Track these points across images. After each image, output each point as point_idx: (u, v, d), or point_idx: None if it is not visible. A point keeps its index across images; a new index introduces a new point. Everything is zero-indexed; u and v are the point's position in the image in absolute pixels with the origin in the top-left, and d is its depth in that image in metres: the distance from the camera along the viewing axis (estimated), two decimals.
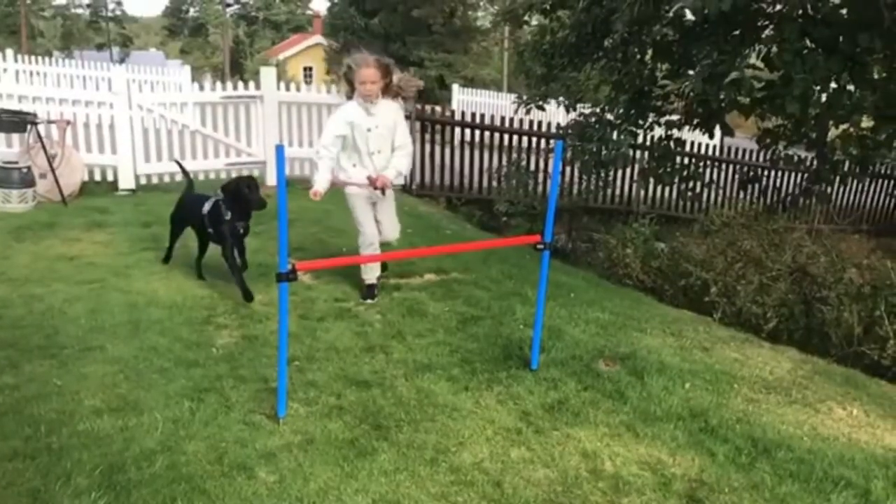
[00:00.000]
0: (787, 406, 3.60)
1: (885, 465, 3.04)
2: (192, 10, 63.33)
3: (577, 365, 3.85)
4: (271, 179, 8.48)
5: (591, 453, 2.99)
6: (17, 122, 7.34)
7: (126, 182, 8.19)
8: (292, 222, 5.69)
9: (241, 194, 4.59)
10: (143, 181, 8.39)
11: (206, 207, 4.74)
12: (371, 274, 4.80)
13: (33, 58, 16.88)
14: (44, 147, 7.34)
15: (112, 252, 5.72)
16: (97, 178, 8.20)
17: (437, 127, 9.91)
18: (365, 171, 4.59)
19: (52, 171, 7.33)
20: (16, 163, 7.21)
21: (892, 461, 3.09)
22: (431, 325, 4.33)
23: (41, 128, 7.48)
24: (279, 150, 2.81)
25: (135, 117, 8.17)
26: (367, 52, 4.47)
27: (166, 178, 8.58)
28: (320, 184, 4.46)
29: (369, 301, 4.70)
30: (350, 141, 4.54)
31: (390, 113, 4.53)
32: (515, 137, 10.16)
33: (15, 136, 7.72)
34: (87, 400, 3.22)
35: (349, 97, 4.58)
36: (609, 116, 7.56)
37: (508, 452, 2.98)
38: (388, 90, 4.51)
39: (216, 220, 4.68)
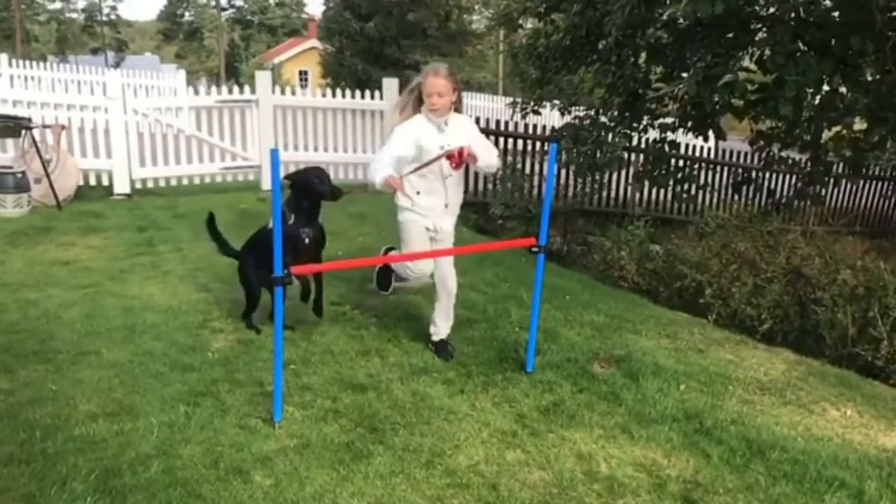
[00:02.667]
0: (782, 407, 3.62)
1: (879, 465, 3.06)
2: (187, 14, 63.37)
3: (572, 367, 3.86)
4: (266, 184, 8.48)
5: (586, 455, 3.00)
6: (11, 126, 7.34)
7: (121, 187, 8.18)
8: None
9: (311, 186, 3.96)
10: (138, 186, 8.38)
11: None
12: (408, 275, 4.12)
13: (28, 62, 16.85)
14: (38, 152, 7.33)
15: (107, 257, 5.72)
16: (92, 182, 8.20)
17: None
18: (434, 199, 3.83)
19: (47, 175, 7.32)
20: (11, 167, 7.20)
21: (885, 462, 3.10)
22: (427, 329, 4.33)
23: (36, 132, 7.47)
24: (274, 154, 2.82)
25: (130, 122, 8.17)
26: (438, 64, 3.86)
27: (161, 183, 8.57)
28: (383, 174, 3.56)
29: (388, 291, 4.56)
30: (415, 163, 3.73)
31: (464, 129, 3.81)
32: (510, 140, 10.17)
33: (10, 141, 7.71)
34: (82, 405, 3.22)
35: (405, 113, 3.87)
36: (603, 119, 7.57)
37: (504, 455, 2.98)
38: (459, 110, 3.88)
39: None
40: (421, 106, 3.75)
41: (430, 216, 3.84)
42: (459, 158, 3.59)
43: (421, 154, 3.68)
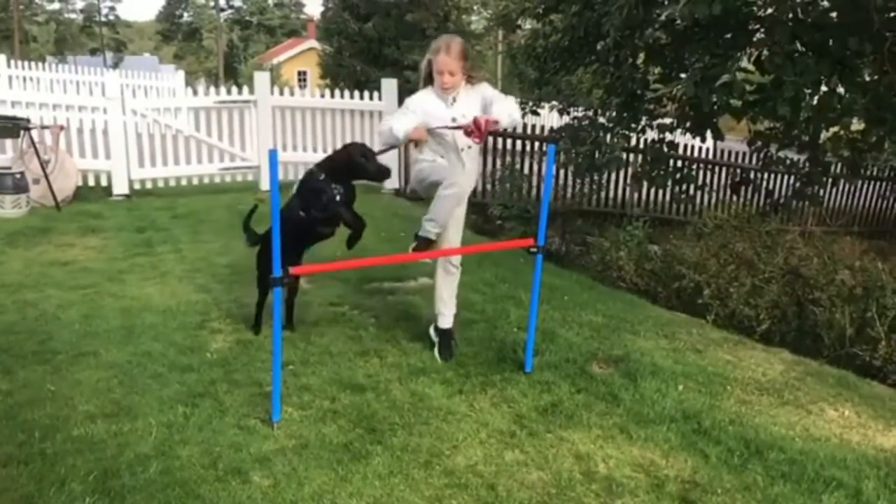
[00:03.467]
0: (780, 407, 3.63)
1: (877, 465, 3.06)
2: (185, 14, 63.35)
3: (570, 368, 3.86)
4: (265, 184, 8.48)
5: (584, 455, 3.00)
6: (10, 127, 7.35)
7: (120, 187, 8.19)
8: None
9: (354, 166, 3.65)
10: (136, 186, 8.38)
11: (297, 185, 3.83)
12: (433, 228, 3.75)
13: (26, 63, 16.84)
14: (37, 152, 7.33)
15: (106, 257, 5.72)
16: (91, 183, 8.20)
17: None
18: (455, 168, 3.72)
19: (46, 176, 7.32)
20: (9, 168, 7.21)
21: (883, 461, 3.11)
22: (425, 329, 4.32)
23: (35, 133, 7.47)
24: (272, 154, 2.82)
25: (128, 122, 8.17)
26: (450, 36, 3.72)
27: (160, 184, 8.57)
28: (407, 124, 3.54)
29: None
30: (433, 134, 3.68)
31: (476, 95, 3.68)
32: (509, 141, 10.18)
33: (8, 142, 7.71)
34: (80, 405, 3.22)
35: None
36: (602, 120, 7.59)
37: (502, 455, 2.99)
38: (472, 80, 3.72)
39: (307, 189, 3.76)
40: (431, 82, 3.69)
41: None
42: (479, 132, 3.42)
43: (432, 122, 3.61)
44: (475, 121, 3.42)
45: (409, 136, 3.56)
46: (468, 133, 3.48)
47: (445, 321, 4.00)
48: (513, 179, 9.26)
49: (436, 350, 3.96)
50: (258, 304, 4.14)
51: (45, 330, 4.09)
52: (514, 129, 9.99)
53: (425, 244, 3.75)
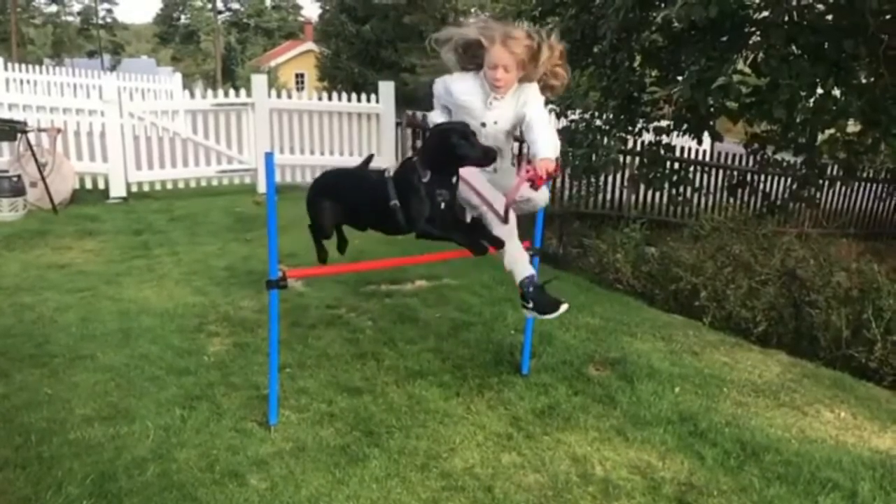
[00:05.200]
0: (776, 409, 3.63)
1: (872, 466, 3.07)
2: (183, 17, 63.29)
3: (567, 370, 3.87)
4: (262, 187, 8.48)
5: (581, 458, 3.01)
6: (7, 130, 7.34)
7: (117, 190, 8.19)
8: (283, 229, 5.68)
9: (451, 149, 3.00)
10: (134, 189, 8.38)
11: (391, 170, 3.19)
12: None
13: (24, 65, 16.83)
14: (34, 155, 7.33)
15: (103, 260, 5.72)
16: (88, 186, 8.20)
17: (429, 133, 9.93)
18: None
19: (43, 179, 7.32)
20: (6, 171, 7.20)
21: (878, 463, 3.12)
22: (423, 332, 4.34)
23: (32, 136, 7.47)
24: (268, 157, 2.83)
25: (126, 125, 8.17)
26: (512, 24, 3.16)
27: (157, 186, 8.57)
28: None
29: (553, 312, 3.26)
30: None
31: (514, 99, 3.18)
32: None
33: (5, 145, 7.71)
34: (77, 408, 3.22)
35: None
36: (599, 122, 7.60)
37: (499, 458, 2.99)
38: (530, 77, 3.17)
39: (403, 181, 3.08)
40: (478, 65, 3.16)
41: None
42: (541, 181, 3.00)
43: (459, 111, 3.20)
44: (536, 170, 2.95)
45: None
46: (529, 180, 3.03)
47: (526, 271, 3.27)
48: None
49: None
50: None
51: (42, 333, 4.09)
52: None
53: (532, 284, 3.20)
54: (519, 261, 3.25)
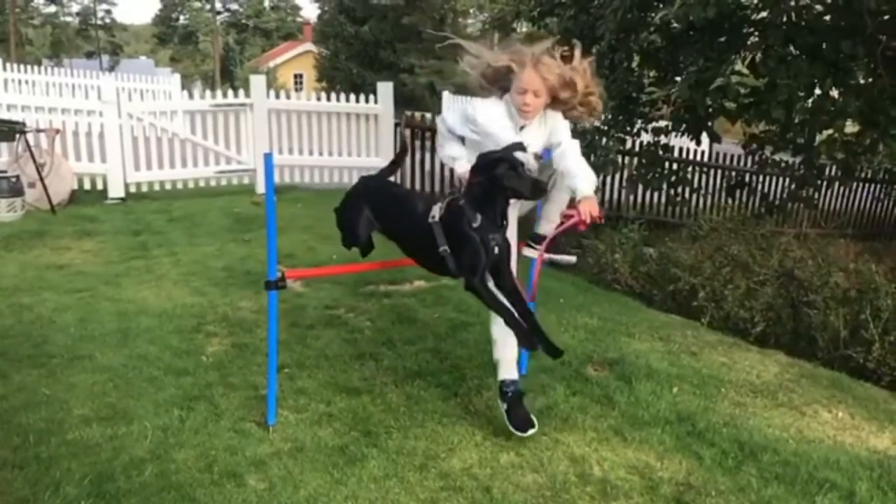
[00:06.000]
0: (774, 409, 3.64)
1: (870, 467, 3.08)
2: (181, 17, 63.25)
3: (565, 370, 3.87)
4: (261, 187, 8.48)
5: (579, 458, 3.01)
6: (5, 130, 7.34)
7: (116, 190, 8.18)
8: (282, 229, 5.69)
9: (498, 181, 2.77)
10: (132, 189, 8.38)
11: (437, 210, 2.89)
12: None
13: (22, 66, 16.81)
14: (32, 156, 7.33)
15: (101, 261, 5.72)
16: (87, 186, 8.20)
17: (428, 134, 9.94)
18: None
19: (41, 179, 7.32)
20: (4, 172, 7.20)
21: (876, 463, 3.12)
22: (421, 332, 4.34)
23: (30, 136, 7.47)
24: (267, 158, 2.83)
25: (124, 126, 8.17)
26: (546, 44, 2.97)
27: (156, 187, 8.57)
28: (461, 163, 3.02)
29: (522, 431, 3.07)
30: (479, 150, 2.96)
31: (545, 127, 3.05)
32: None
33: (4, 146, 7.70)
34: (76, 409, 3.22)
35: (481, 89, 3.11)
36: (597, 123, 7.60)
37: (497, 458, 2.99)
38: (559, 104, 3.01)
39: (453, 227, 2.84)
40: (503, 88, 3.01)
41: None
42: (585, 227, 2.91)
43: (486, 140, 2.95)
44: (580, 213, 2.85)
45: (463, 170, 2.97)
46: (574, 225, 2.94)
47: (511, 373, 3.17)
48: None
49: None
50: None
51: (41, 333, 4.09)
52: None
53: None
54: (503, 360, 3.18)
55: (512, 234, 3.12)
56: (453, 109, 3.11)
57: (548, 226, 3.22)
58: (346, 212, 3.25)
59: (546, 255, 3.22)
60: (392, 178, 3.36)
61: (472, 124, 2.99)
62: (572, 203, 2.99)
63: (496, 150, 2.85)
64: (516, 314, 2.80)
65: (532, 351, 2.83)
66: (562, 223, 3.13)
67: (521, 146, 2.86)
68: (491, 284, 2.85)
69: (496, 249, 2.82)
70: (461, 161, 3.02)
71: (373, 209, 3.11)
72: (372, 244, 3.30)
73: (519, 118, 2.97)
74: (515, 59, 2.93)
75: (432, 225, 2.85)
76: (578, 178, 2.90)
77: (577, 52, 2.99)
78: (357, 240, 3.21)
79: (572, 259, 3.37)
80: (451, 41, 3.21)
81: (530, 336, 2.80)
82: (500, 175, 2.75)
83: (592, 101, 3.04)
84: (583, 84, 2.95)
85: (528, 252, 3.30)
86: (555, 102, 3.00)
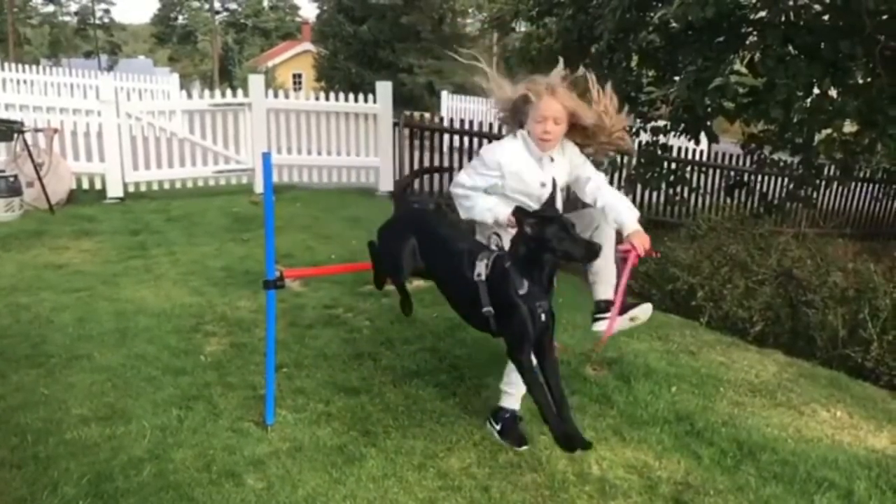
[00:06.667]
0: (772, 409, 3.64)
1: (868, 466, 3.08)
2: (180, 17, 63.20)
3: (564, 370, 3.83)
4: (260, 187, 8.47)
5: (577, 457, 3.00)
6: (3, 130, 7.32)
7: (114, 190, 8.17)
8: (280, 229, 5.70)
9: (547, 244, 2.57)
10: (131, 189, 8.36)
11: (482, 268, 2.67)
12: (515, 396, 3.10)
13: (20, 66, 16.80)
14: (31, 155, 7.31)
15: (100, 260, 5.71)
16: (85, 186, 8.17)
17: (426, 133, 9.94)
18: None
19: (40, 179, 7.31)
20: (3, 171, 7.19)
21: (874, 462, 3.12)
22: (420, 332, 4.34)
23: (28, 136, 7.45)
24: (266, 157, 2.83)
25: (123, 125, 8.15)
26: (561, 73, 2.89)
27: (154, 186, 8.56)
28: (500, 209, 2.84)
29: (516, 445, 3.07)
30: (505, 199, 2.88)
31: (568, 159, 2.95)
32: None
33: (2, 145, 7.68)
34: (74, 409, 3.21)
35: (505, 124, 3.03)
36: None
37: (496, 457, 2.99)
38: (579, 135, 2.92)
39: (499, 290, 2.64)
40: (522, 122, 2.89)
41: None
42: (637, 259, 2.90)
43: (511, 181, 2.86)
44: (635, 248, 2.86)
45: (507, 223, 2.81)
46: (624, 258, 2.89)
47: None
48: None
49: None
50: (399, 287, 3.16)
51: (39, 333, 4.08)
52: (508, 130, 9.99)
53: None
54: (513, 394, 3.11)
55: None
56: (464, 171, 3.00)
57: (607, 288, 2.94)
58: (389, 241, 2.98)
59: (619, 320, 2.92)
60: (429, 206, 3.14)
61: (496, 168, 2.86)
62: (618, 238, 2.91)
63: (538, 209, 2.68)
64: (551, 401, 2.63)
65: (561, 443, 2.63)
66: (622, 264, 2.95)
67: (553, 204, 2.71)
68: (533, 358, 2.68)
69: (543, 317, 2.65)
70: (498, 207, 2.85)
71: (418, 241, 2.86)
72: (410, 302, 3.12)
73: (538, 150, 2.85)
74: (532, 87, 2.84)
75: (478, 283, 2.65)
76: (624, 212, 2.86)
77: (594, 87, 2.91)
78: (400, 273, 2.95)
79: (649, 307, 3.02)
80: (474, 63, 3.10)
81: (561, 425, 2.60)
82: (550, 237, 2.55)
83: (621, 144, 2.99)
84: (608, 120, 2.88)
85: (599, 327, 2.99)
86: (574, 132, 2.90)
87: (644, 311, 2.99)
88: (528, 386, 2.68)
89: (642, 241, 2.83)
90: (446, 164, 9.81)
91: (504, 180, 2.85)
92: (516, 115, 2.94)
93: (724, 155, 11.07)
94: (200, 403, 3.30)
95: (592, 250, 2.62)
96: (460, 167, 3.27)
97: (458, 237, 2.85)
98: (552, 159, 2.89)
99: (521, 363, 2.66)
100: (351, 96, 9.46)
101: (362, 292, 5.06)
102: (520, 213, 2.63)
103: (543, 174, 2.87)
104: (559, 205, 2.86)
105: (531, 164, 2.86)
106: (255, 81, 9.00)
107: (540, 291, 2.62)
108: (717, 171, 11.03)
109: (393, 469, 2.86)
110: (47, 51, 51.58)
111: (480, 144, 10.09)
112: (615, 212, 2.87)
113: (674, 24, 6.02)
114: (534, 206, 2.81)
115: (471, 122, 10.60)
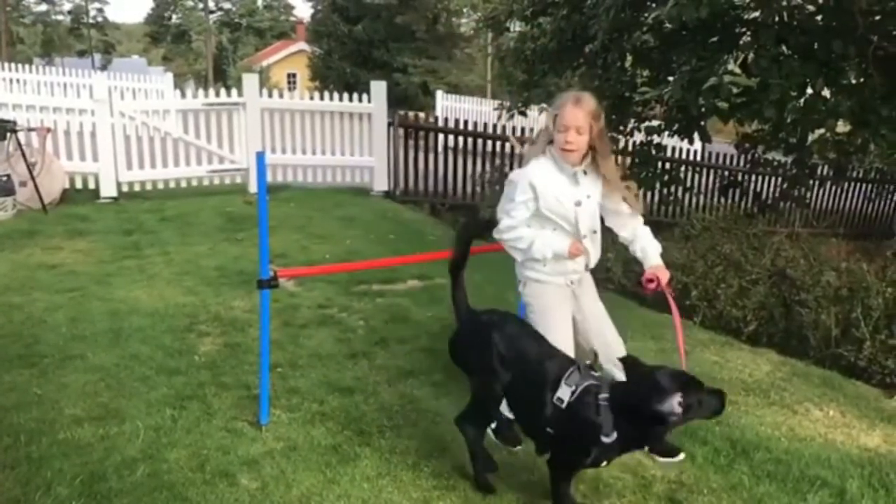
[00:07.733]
0: (766, 407, 3.66)
1: (861, 464, 3.10)
2: (174, 16, 63.04)
3: None
4: (254, 187, 8.46)
5: None
6: None
7: (108, 190, 8.14)
8: (274, 229, 5.69)
9: (642, 411, 2.34)
10: (124, 189, 8.34)
11: (566, 393, 2.47)
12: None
13: (13, 65, 16.73)
14: (24, 155, 7.29)
15: (93, 260, 5.69)
16: (78, 185, 8.15)
17: (421, 133, 9.94)
18: (566, 264, 2.93)
19: (33, 179, 7.28)
20: None
21: (867, 461, 3.14)
22: (415, 331, 4.34)
23: (21, 135, 7.42)
24: (259, 157, 2.83)
25: (116, 125, 8.13)
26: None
27: (148, 186, 8.54)
28: (558, 243, 2.84)
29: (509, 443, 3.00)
30: (541, 218, 2.87)
31: (598, 176, 2.91)
32: (498, 143, 10.19)
33: None
34: (67, 409, 3.20)
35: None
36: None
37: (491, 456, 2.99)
38: (599, 148, 2.88)
39: (577, 424, 2.44)
40: (550, 144, 2.86)
41: (567, 274, 2.99)
42: (657, 287, 2.97)
43: (545, 201, 2.81)
44: (659, 281, 2.98)
45: (569, 255, 2.85)
46: (646, 286, 2.99)
47: None
48: (502, 182, 9.27)
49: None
50: (473, 442, 2.80)
51: (32, 333, 4.07)
52: (503, 130, 10.01)
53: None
54: None
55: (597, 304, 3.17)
56: (502, 213, 3.01)
57: None
58: (471, 350, 2.78)
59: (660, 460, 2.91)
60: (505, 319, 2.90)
61: (530, 190, 2.82)
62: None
63: (658, 374, 2.47)
64: None
65: None
66: (649, 288, 3.08)
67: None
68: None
69: (604, 465, 2.54)
70: (556, 241, 2.83)
71: (501, 359, 2.65)
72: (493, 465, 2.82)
73: (563, 162, 2.81)
74: (554, 109, 2.83)
75: (554, 405, 2.46)
76: (651, 248, 3.06)
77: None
78: (494, 411, 2.77)
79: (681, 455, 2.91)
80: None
81: None
82: (646, 407, 2.30)
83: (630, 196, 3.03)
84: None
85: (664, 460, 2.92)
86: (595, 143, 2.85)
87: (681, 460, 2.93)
88: (555, 499, 2.60)
89: (664, 275, 2.97)
90: (441, 163, 9.83)
91: (538, 201, 2.82)
92: (547, 137, 2.89)
93: (717, 155, 11.10)
94: (194, 403, 3.30)
95: (722, 401, 2.50)
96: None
97: (544, 349, 2.66)
98: (585, 172, 2.86)
99: (558, 487, 2.56)
100: (345, 96, 9.46)
101: (357, 292, 5.06)
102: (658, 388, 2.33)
103: (577, 191, 2.84)
104: (596, 221, 2.93)
105: (562, 181, 2.83)
106: (250, 81, 8.98)
107: (622, 448, 2.42)
108: (711, 171, 11.05)
109: (387, 469, 2.86)
110: (40, 50, 51.36)
111: (475, 143, 10.10)
112: (649, 247, 3.05)
113: (668, 25, 6.01)
114: (568, 228, 2.85)
115: (465, 122, 10.61)
